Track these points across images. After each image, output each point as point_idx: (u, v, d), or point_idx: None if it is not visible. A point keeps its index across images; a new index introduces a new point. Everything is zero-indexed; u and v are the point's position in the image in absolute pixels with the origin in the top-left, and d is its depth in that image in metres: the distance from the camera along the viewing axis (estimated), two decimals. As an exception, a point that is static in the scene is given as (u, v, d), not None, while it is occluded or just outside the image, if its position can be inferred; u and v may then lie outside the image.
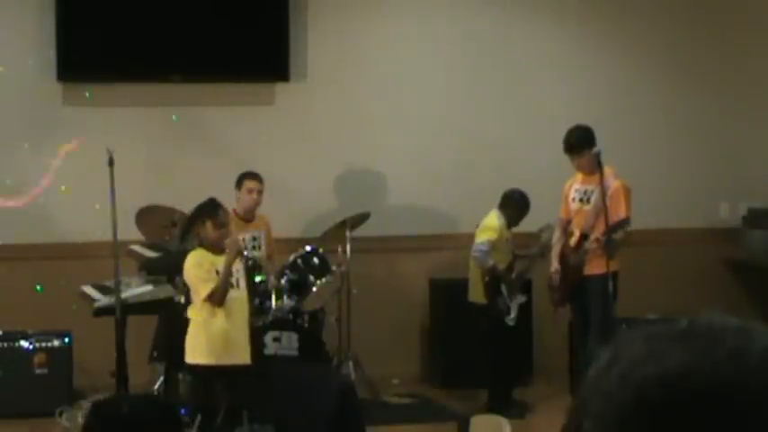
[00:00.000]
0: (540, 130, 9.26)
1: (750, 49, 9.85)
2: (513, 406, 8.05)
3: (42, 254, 8.70)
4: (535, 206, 8.26)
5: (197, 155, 8.97)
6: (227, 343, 6.67)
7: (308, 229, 8.97)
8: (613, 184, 7.68)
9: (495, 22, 9.43)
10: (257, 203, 8.36)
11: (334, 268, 8.19)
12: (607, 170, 7.64)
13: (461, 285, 8.42)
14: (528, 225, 8.28)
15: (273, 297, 7.89)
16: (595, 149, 7.68)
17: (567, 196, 8.00)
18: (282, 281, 7.94)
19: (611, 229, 7.50)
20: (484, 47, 9.43)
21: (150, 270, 7.73)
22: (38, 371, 8.13)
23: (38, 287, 8.64)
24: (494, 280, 8.14)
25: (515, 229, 8.31)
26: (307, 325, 7.98)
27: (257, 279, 7.74)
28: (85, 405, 7.30)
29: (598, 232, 7.65)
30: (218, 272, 6.61)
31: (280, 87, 9.11)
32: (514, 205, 8.27)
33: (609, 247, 7.54)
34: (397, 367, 9.14)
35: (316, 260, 8.11)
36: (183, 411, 6.95)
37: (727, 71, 9.80)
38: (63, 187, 8.76)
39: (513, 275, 8.27)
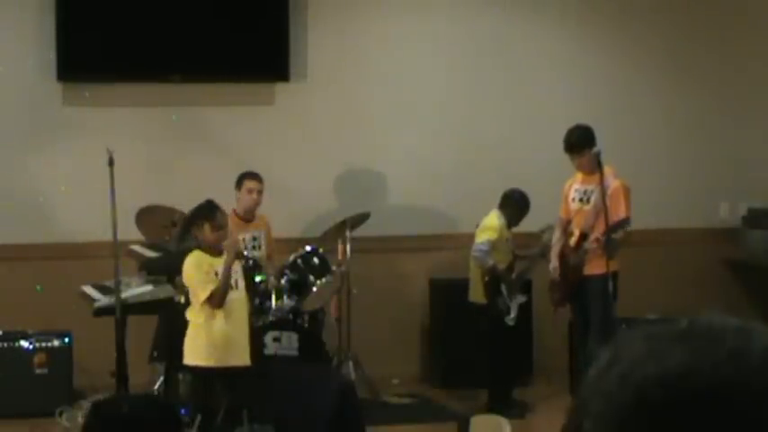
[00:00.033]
0: (540, 130, 9.26)
1: (750, 50, 9.85)
2: (513, 406, 8.05)
3: (42, 254, 8.70)
4: (535, 206, 8.26)
5: (197, 155, 8.97)
6: (226, 345, 6.66)
7: (308, 229, 8.97)
8: (613, 183, 7.68)
9: (495, 23, 9.43)
10: (257, 203, 8.35)
11: (334, 268, 8.19)
12: (607, 170, 7.64)
13: (461, 285, 8.42)
14: (528, 225, 8.28)
15: (273, 297, 7.89)
16: (595, 149, 7.68)
17: (567, 196, 8.00)
18: (282, 281, 7.94)
19: (611, 229, 7.50)
20: (484, 47, 9.43)
21: (150, 270, 7.73)
22: (38, 371, 8.13)
23: (38, 287, 8.64)
24: (494, 280, 8.14)
25: (516, 230, 8.31)
26: (307, 325, 7.98)
27: (257, 279, 7.74)
28: (85, 405, 7.30)
29: (598, 232, 7.65)
30: (216, 274, 6.60)
31: (280, 87, 9.11)
32: (514, 205, 8.28)
33: (609, 247, 7.53)
34: (397, 367, 9.14)
35: (316, 260, 8.11)
36: (183, 411, 6.95)
37: (726, 72, 9.80)
38: (63, 187, 8.76)
39: (514, 275, 8.27)
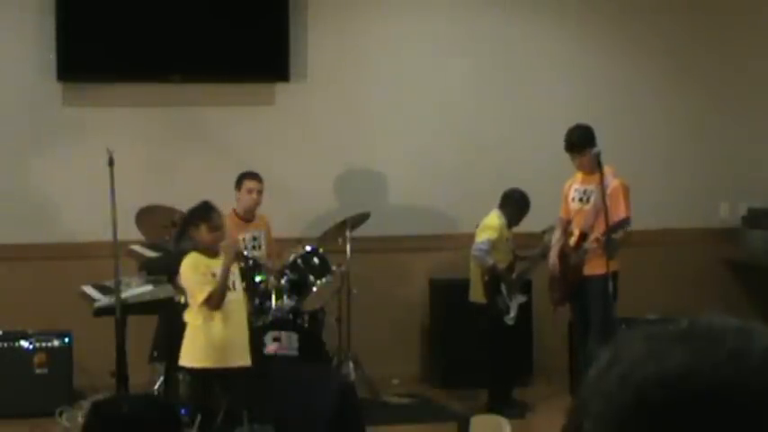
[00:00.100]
0: (540, 131, 9.26)
1: (750, 50, 9.85)
2: (513, 406, 8.05)
3: (42, 254, 8.70)
4: (535, 206, 8.26)
5: (197, 155, 8.97)
6: (225, 346, 6.63)
7: (308, 229, 8.97)
8: (612, 182, 7.68)
9: (495, 23, 9.43)
10: (257, 203, 8.35)
11: (334, 268, 8.19)
12: (606, 169, 7.64)
13: (461, 285, 8.42)
14: (529, 225, 8.28)
15: (273, 297, 7.88)
16: (596, 149, 7.67)
17: (567, 196, 8.00)
18: (282, 281, 7.94)
19: (611, 229, 7.49)
20: (484, 47, 9.42)
21: (150, 270, 7.73)
22: (38, 371, 8.13)
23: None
24: (493, 279, 8.14)
25: (517, 230, 8.31)
26: (307, 325, 7.98)
27: (257, 279, 7.73)
28: (85, 405, 7.29)
29: (598, 232, 7.65)
30: (213, 275, 6.58)
31: (280, 87, 9.11)
32: (514, 205, 8.28)
33: (609, 247, 7.53)
34: (397, 367, 9.14)
35: (316, 260, 8.11)
36: (183, 411, 6.94)
37: (727, 72, 9.80)
38: (63, 187, 8.76)
39: (514, 275, 8.27)
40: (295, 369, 7.44)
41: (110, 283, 7.30)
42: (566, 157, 7.84)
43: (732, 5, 9.82)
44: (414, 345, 9.38)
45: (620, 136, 9.18)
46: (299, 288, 7.97)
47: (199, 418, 6.80)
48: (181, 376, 7.34)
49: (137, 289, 7.45)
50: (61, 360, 8.18)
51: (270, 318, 7.79)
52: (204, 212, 6.70)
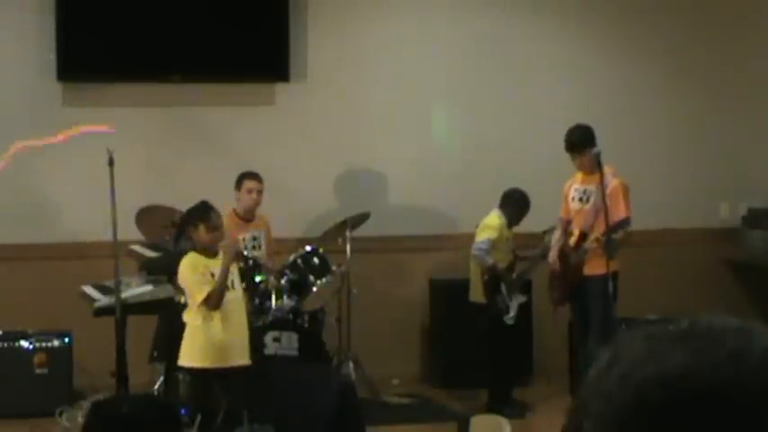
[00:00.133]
0: (540, 131, 9.26)
1: (750, 50, 9.85)
2: (513, 406, 8.05)
3: (42, 254, 8.70)
4: (535, 206, 8.26)
5: (197, 155, 8.97)
6: (224, 346, 6.63)
7: (308, 229, 8.97)
8: (611, 182, 7.68)
9: (495, 23, 9.43)
10: (257, 203, 8.35)
11: (334, 268, 8.19)
12: (606, 169, 7.64)
13: (461, 285, 8.42)
14: (529, 225, 8.28)
15: (273, 297, 7.88)
16: (596, 149, 7.68)
17: (567, 196, 8.00)
18: (282, 281, 7.94)
19: (611, 229, 7.49)
20: (484, 48, 9.43)
21: (150, 270, 7.73)
22: (38, 371, 8.13)
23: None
24: (493, 279, 8.14)
25: (517, 230, 8.31)
26: (307, 325, 7.98)
27: (257, 279, 7.73)
28: (85, 405, 7.29)
29: (598, 232, 7.65)
30: (212, 275, 6.58)
31: (280, 87, 9.11)
32: (515, 204, 8.28)
33: (609, 247, 7.53)
34: (397, 367, 9.14)
35: (316, 260, 8.11)
36: (183, 411, 6.94)
37: (727, 72, 9.80)
38: (63, 187, 8.76)
39: (514, 275, 8.27)
40: (295, 369, 7.44)
41: (110, 283, 7.30)
42: (566, 157, 7.84)
43: (732, 5, 9.83)
44: (414, 345, 9.38)
45: (620, 136, 9.18)
46: (299, 288, 7.98)
47: (199, 418, 6.80)
48: (181, 376, 7.34)
49: (137, 289, 7.45)
50: (61, 360, 8.18)
51: (270, 318, 7.79)
52: (202, 212, 6.70)
